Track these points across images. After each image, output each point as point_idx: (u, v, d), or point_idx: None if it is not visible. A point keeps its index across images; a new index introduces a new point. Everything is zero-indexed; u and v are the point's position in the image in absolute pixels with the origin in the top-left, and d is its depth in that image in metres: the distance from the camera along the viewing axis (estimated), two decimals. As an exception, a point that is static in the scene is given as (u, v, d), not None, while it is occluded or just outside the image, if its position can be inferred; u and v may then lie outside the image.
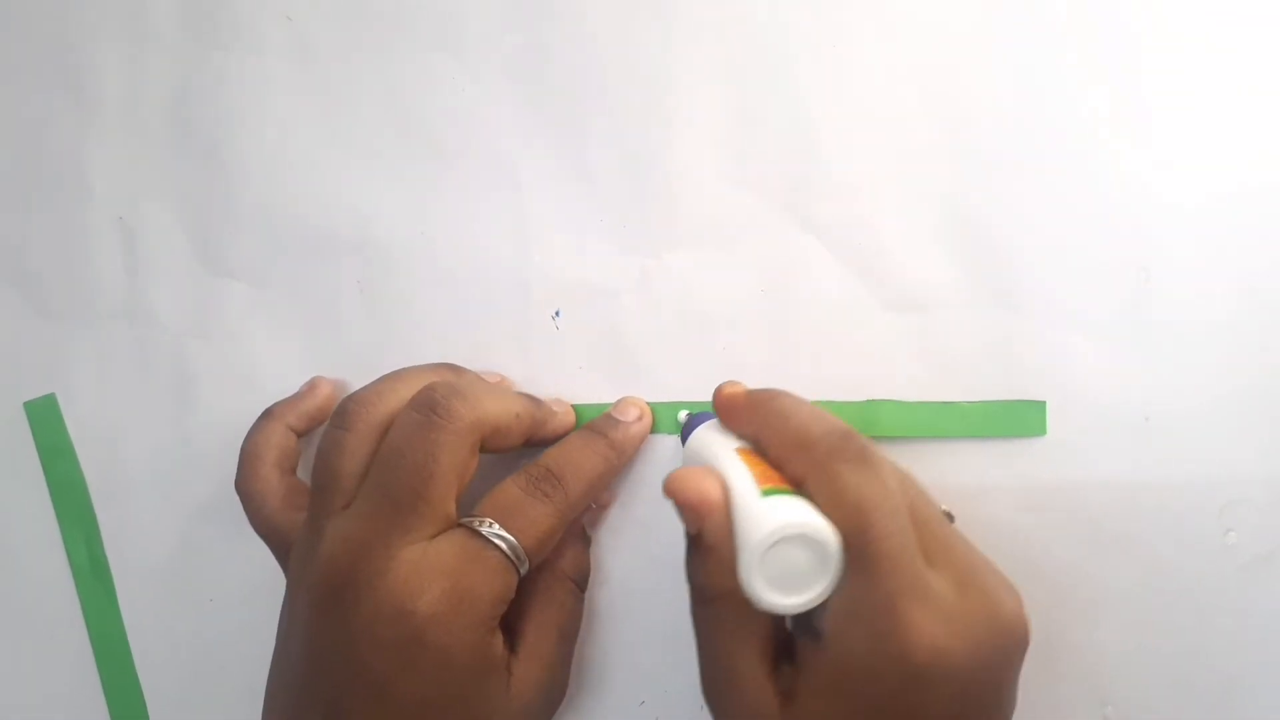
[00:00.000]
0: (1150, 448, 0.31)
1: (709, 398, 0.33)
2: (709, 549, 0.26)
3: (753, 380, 0.33)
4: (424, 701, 0.27)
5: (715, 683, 0.27)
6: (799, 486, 0.26)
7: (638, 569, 0.33)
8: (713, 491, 0.25)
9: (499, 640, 0.29)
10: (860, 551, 0.24)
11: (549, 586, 0.31)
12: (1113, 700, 0.31)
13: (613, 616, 0.34)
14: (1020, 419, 0.31)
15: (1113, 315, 0.31)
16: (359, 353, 0.36)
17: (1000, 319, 0.32)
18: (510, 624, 0.30)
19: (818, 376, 0.32)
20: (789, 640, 0.27)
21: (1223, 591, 0.30)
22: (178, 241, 0.38)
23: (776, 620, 0.27)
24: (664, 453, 0.33)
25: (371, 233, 0.36)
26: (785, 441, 0.27)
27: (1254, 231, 0.31)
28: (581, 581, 0.32)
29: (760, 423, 0.28)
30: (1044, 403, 0.31)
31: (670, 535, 0.33)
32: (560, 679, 0.31)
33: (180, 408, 0.37)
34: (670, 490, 0.26)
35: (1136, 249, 0.31)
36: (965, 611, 0.24)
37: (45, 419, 0.39)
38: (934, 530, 0.25)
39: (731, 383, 0.30)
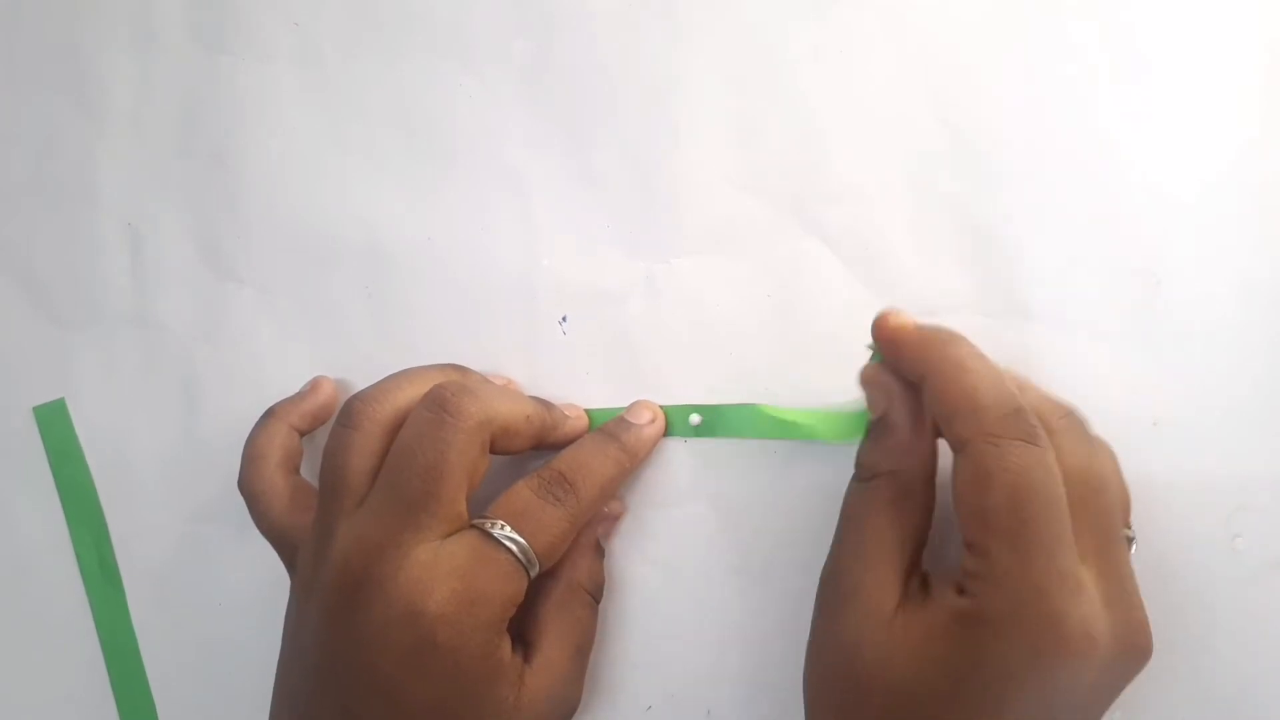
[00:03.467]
0: (1158, 452, 0.31)
1: (715, 401, 0.33)
2: (890, 428, 0.28)
3: (760, 385, 0.33)
4: (433, 705, 0.27)
5: (845, 560, 0.28)
6: (959, 449, 0.26)
7: (646, 574, 0.33)
8: (897, 383, 0.28)
9: (507, 645, 0.29)
10: (1013, 532, 0.24)
11: (564, 598, 0.31)
12: (1122, 705, 0.31)
13: (620, 621, 0.34)
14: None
15: (1122, 320, 0.31)
16: (366, 358, 0.36)
17: (1009, 324, 0.32)
18: (525, 635, 0.30)
19: (825, 382, 0.32)
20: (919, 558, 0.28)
21: (1231, 597, 0.30)
22: (185, 247, 0.38)
23: (922, 522, 0.28)
24: (676, 458, 0.33)
25: (378, 238, 0.36)
26: (952, 397, 0.26)
27: (1263, 236, 0.31)
28: (596, 593, 0.32)
29: (929, 368, 0.27)
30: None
31: (678, 539, 0.33)
32: (573, 691, 0.31)
33: (189, 412, 0.38)
34: (864, 377, 0.29)
35: (1146, 254, 0.31)
36: (1111, 622, 0.25)
37: (54, 423, 0.39)
38: (1101, 534, 0.25)
39: (895, 313, 0.28)
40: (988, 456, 0.24)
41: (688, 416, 0.33)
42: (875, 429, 0.29)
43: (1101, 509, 0.26)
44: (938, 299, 0.32)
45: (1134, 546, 0.28)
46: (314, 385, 0.35)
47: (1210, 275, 0.31)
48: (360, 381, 0.33)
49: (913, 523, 0.27)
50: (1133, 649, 0.25)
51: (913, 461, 0.28)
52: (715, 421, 0.33)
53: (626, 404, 0.33)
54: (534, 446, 0.31)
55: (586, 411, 0.33)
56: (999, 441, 0.24)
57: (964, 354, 0.27)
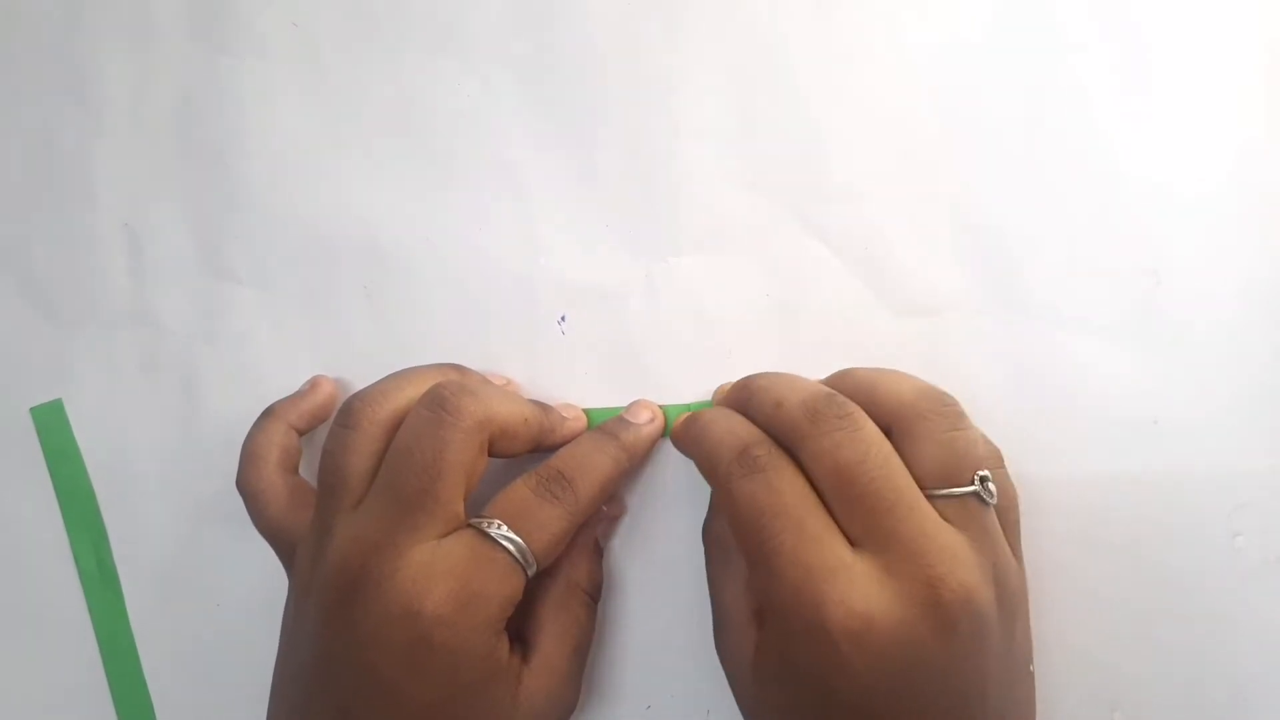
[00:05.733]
0: (1158, 451, 0.31)
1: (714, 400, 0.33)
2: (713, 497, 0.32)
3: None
4: (431, 705, 0.27)
5: (714, 621, 0.30)
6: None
7: (645, 574, 0.33)
8: None
9: (505, 645, 0.29)
10: (757, 551, 0.26)
11: (563, 598, 0.31)
12: (1121, 705, 0.31)
13: (619, 621, 0.34)
14: None
15: (1122, 318, 0.31)
16: (365, 357, 0.36)
17: (1009, 323, 0.32)
18: (523, 634, 0.30)
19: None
20: None
21: (1231, 595, 0.30)
22: (183, 246, 0.38)
23: None
24: (674, 458, 0.33)
25: (377, 238, 0.36)
26: (699, 466, 0.29)
27: (1263, 235, 0.31)
28: (594, 593, 0.32)
29: (690, 455, 0.30)
30: None
31: (677, 538, 0.33)
32: (571, 691, 0.31)
33: (187, 413, 0.37)
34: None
35: (1146, 252, 0.31)
36: (891, 589, 0.25)
37: (52, 424, 0.39)
38: (876, 517, 0.26)
39: (652, 424, 0.33)
40: (724, 500, 0.27)
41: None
42: (715, 501, 0.32)
43: (862, 490, 0.26)
44: (937, 298, 0.32)
45: (990, 497, 0.27)
46: (313, 384, 0.35)
47: (1211, 274, 0.31)
48: (359, 381, 0.33)
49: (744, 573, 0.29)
50: (937, 604, 0.25)
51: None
52: None
53: (626, 403, 0.33)
54: (532, 449, 0.31)
55: (585, 411, 0.33)
56: (726, 484, 0.27)
57: (697, 429, 0.30)
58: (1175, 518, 0.31)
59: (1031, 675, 0.28)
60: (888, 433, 0.27)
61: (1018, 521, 0.29)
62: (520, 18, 0.35)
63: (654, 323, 0.34)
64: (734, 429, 0.28)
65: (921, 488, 0.26)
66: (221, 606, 0.37)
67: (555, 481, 0.29)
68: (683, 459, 0.33)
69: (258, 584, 0.36)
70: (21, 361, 0.39)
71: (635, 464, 0.32)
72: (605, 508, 0.33)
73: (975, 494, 0.26)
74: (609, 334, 0.34)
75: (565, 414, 0.33)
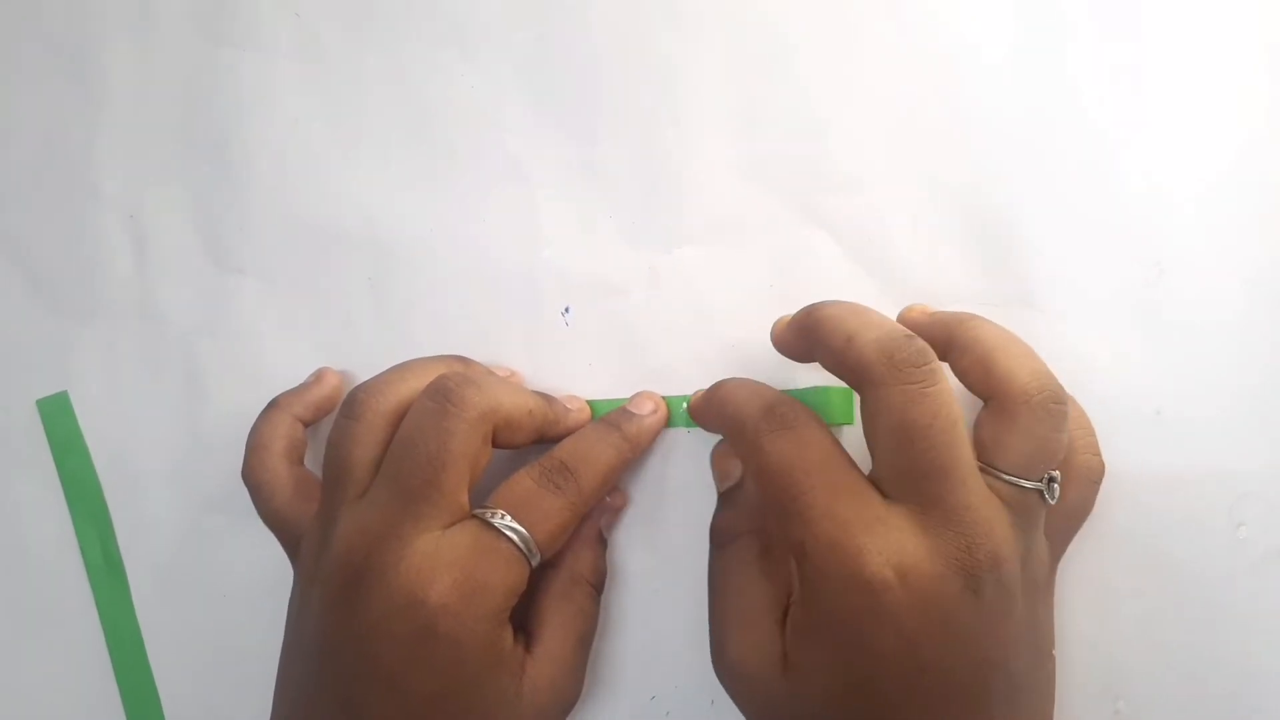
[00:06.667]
0: (1161, 442, 0.31)
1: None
2: (743, 491, 0.31)
3: (762, 376, 0.33)
4: (435, 695, 0.27)
5: (727, 625, 0.29)
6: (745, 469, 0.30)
7: (649, 564, 0.33)
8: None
9: (509, 635, 0.29)
10: (790, 509, 0.26)
11: (566, 590, 0.31)
12: (1124, 695, 0.31)
13: (624, 611, 0.34)
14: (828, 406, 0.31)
15: (1125, 310, 0.31)
16: (369, 349, 0.36)
17: (1011, 314, 0.32)
18: (527, 626, 0.30)
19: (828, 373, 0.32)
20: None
21: (1234, 586, 0.30)
22: (188, 239, 0.38)
23: (786, 573, 0.29)
24: (677, 448, 0.33)
25: (381, 230, 0.36)
26: (724, 430, 0.29)
27: (1266, 227, 0.31)
28: (598, 585, 0.32)
29: (705, 417, 0.30)
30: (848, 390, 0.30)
31: (680, 529, 0.33)
32: (574, 682, 0.31)
33: (192, 404, 0.38)
34: (715, 457, 0.32)
35: (1149, 244, 0.31)
36: (926, 545, 0.25)
37: (58, 416, 0.39)
38: (927, 481, 0.25)
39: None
40: (752, 459, 0.27)
41: (683, 405, 0.33)
42: (727, 496, 0.31)
43: (921, 453, 0.25)
44: (940, 289, 0.32)
45: (1051, 498, 0.27)
46: (319, 376, 0.35)
47: (1214, 266, 0.31)
48: (363, 373, 0.33)
49: (783, 573, 0.29)
50: (967, 566, 0.25)
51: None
52: None
53: (629, 395, 0.33)
54: (535, 441, 0.31)
55: (589, 402, 0.33)
56: (754, 441, 0.27)
57: (719, 397, 0.29)
58: (1178, 509, 0.31)
59: (1054, 660, 0.28)
60: (983, 396, 0.27)
61: (1075, 532, 0.29)
62: (523, 10, 0.35)
63: (657, 314, 0.34)
64: (757, 390, 0.29)
65: (993, 466, 0.26)
66: (227, 597, 0.37)
67: (558, 472, 0.29)
68: (686, 450, 0.33)
69: (263, 575, 0.36)
70: (27, 354, 0.39)
71: (638, 455, 0.32)
72: (609, 499, 0.33)
73: (1039, 491, 0.26)
74: (612, 326, 0.34)
75: (569, 405, 0.33)
